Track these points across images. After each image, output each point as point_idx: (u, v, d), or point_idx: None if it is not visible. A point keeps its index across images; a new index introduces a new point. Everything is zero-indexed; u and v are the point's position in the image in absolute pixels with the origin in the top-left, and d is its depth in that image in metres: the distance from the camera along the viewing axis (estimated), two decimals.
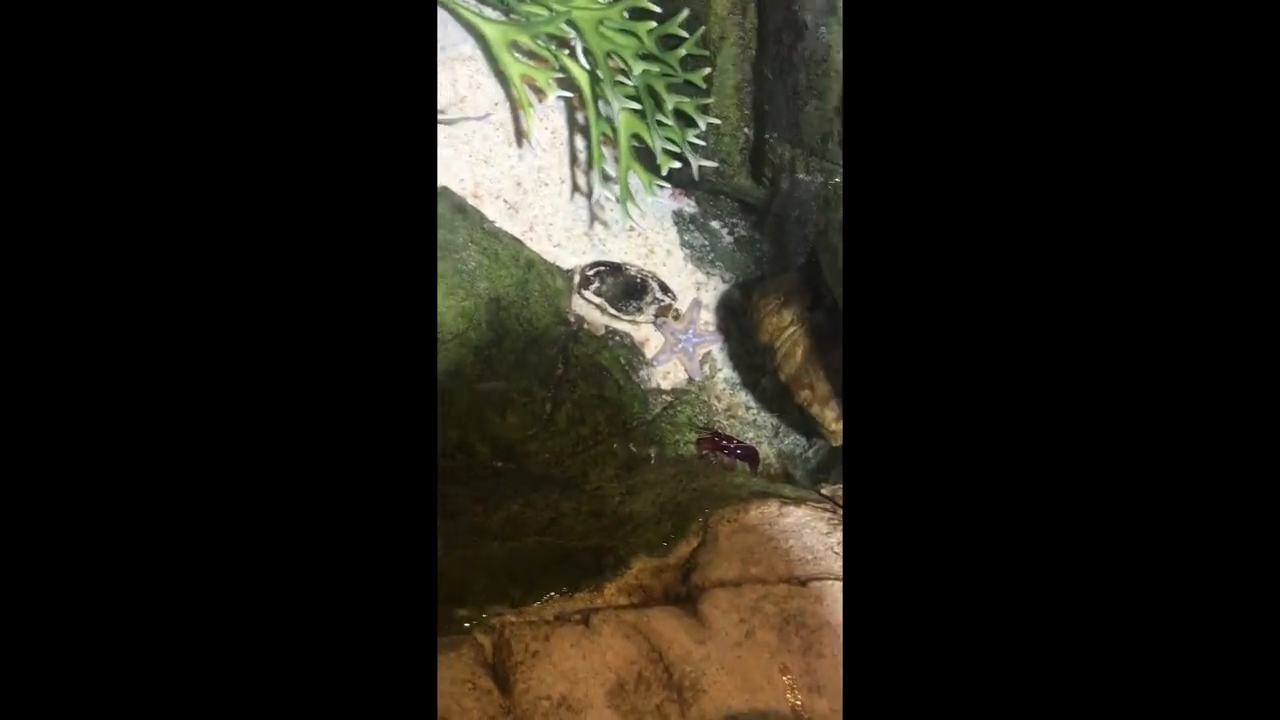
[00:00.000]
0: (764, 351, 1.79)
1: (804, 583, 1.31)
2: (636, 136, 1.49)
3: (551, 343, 1.62)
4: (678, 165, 1.47)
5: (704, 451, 1.69)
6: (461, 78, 1.51)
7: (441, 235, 1.49)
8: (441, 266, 1.49)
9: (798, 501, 1.52)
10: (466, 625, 1.25)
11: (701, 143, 1.47)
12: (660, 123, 1.44)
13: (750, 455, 1.72)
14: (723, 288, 1.87)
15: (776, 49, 1.39)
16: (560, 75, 1.50)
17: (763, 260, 1.80)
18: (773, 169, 1.45)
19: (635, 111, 1.45)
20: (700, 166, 1.48)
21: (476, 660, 1.17)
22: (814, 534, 1.42)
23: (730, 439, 1.72)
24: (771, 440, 1.89)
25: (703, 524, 1.42)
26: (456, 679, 1.12)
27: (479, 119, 1.54)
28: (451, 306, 1.48)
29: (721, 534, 1.39)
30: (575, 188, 1.66)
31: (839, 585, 1.33)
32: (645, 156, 1.53)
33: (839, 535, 1.44)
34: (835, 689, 1.19)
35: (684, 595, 1.34)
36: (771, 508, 1.45)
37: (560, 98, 1.53)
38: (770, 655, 1.19)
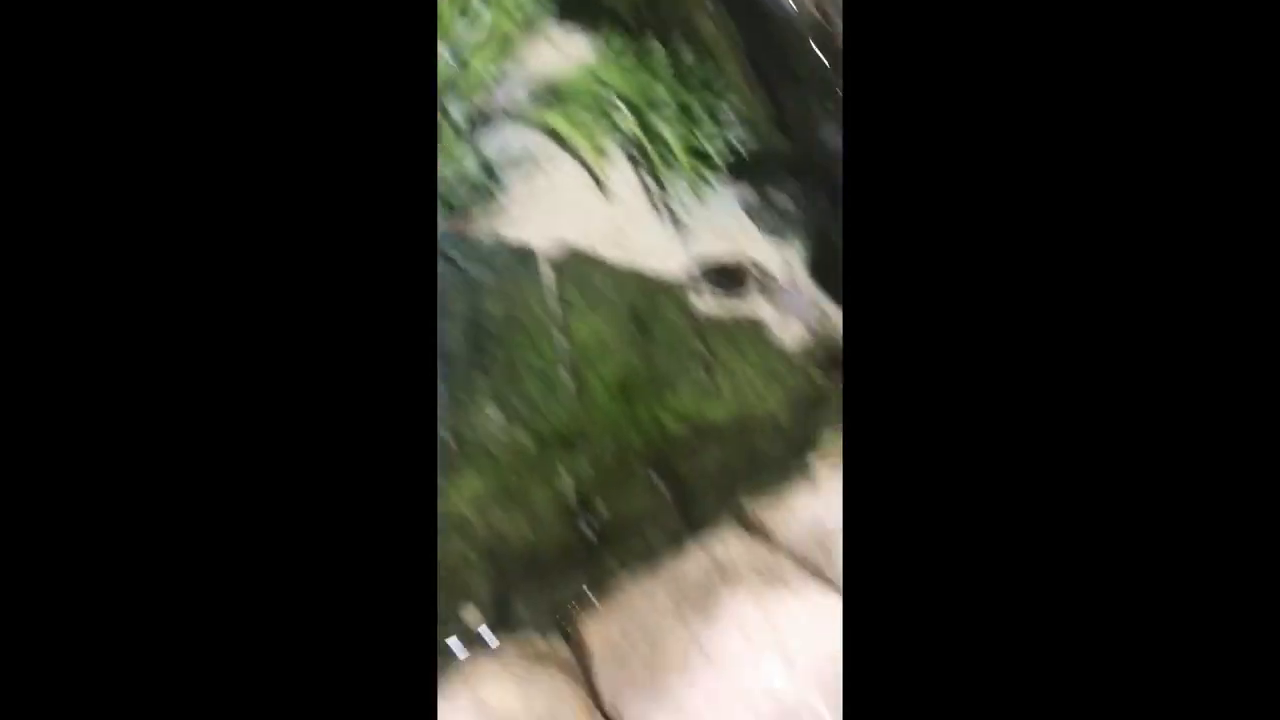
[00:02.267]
0: None
1: None
2: (684, 141, 1.88)
3: (690, 332, 1.94)
4: (724, 149, 1.85)
5: (832, 372, 1.93)
6: (536, 151, 1.96)
7: (579, 278, 1.88)
8: (587, 299, 1.86)
9: None
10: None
11: (733, 122, 1.85)
12: (697, 122, 1.83)
13: None
14: (803, 249, 2.19)
15: (755, 30, 1.79)
16: (610, 126, 1.93)
17: (824, 211, 2.12)
18: (794, 119, 1.81)
19: (675, 121, 1.85)
20: (741, 140, 1.86)
21: (735, 533, 1.42)
22: None
23: None
24: None
25: None
26: (726, 548, 1.37)
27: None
28: (605, 324, 1.84)
29: None
30: (658, 213, 2.04)
31: None
32: (699, 157, 1.92)
33: None
34: None
35: None
36: None
37: (618, 144, 1.95)
38: None
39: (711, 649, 1.15)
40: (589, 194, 2.07)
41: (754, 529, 1.43)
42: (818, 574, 1.27)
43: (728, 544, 1.38)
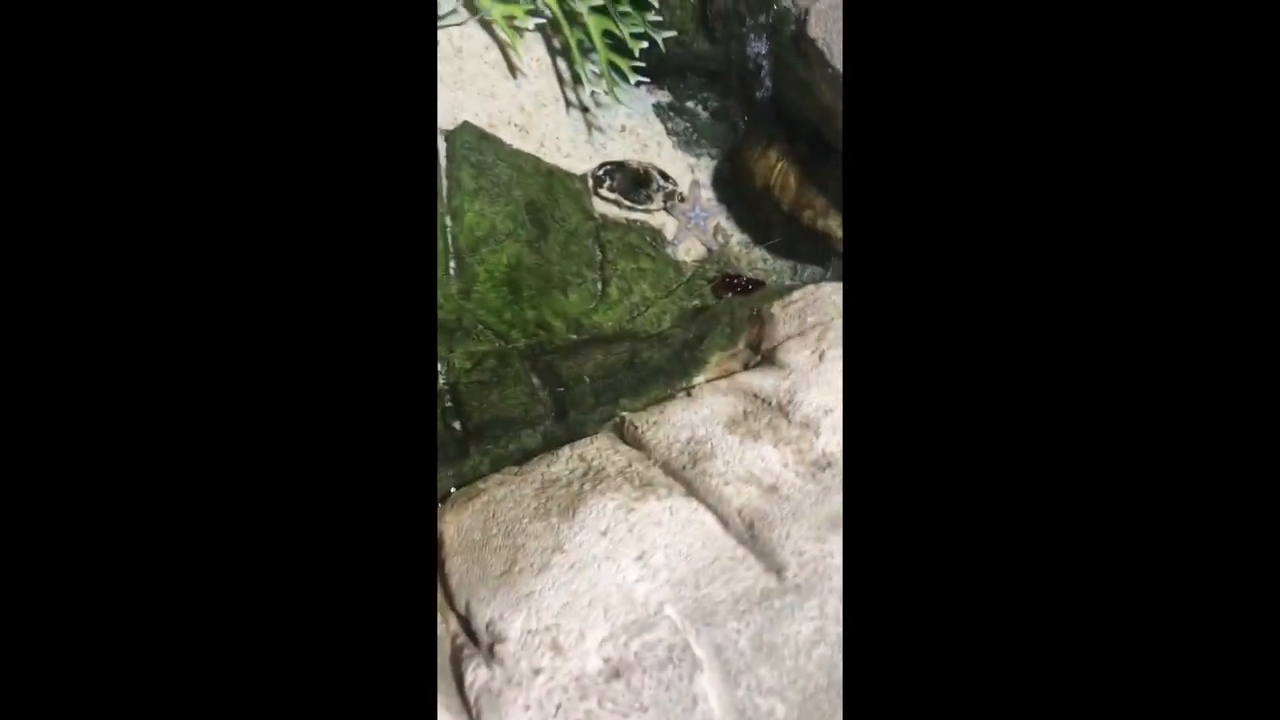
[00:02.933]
0: (763, 194, 2.05)
1: None
2: (607, 32, 1.77)
3: (586, 234, 1.87)
4: (645, 45, 1.75)
5: (722, 294, 1.93)
6: (455, 34, 1.80)
7: (474, 157, 1.76)
8: (481, 181, 1.75)
9: (829, 281, 1.76)
10: (594, 430, 1.50)
11: (659, 18, 1.75)
12: (622, 13, 1.72)
13: (759, 282, 1.96)
14: (712, 164, 2.14)
15: None
16: (531, 7, 1.79)
17: (737, 125, 2.07)
18: (721, 21, 1.73)
19: (599, 10, 1.73)
20: (664, 39, 1.76)
21: (611, 440, 1.40)
22: None
23: (738, 275, 1.96)
24: (792, 277, 2.13)
25: (757, 313, 1.66)
26: (599, 453, 1.35)
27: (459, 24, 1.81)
28: (499, 212, 1.75)
29: (775, 313, 1.63)
30: (568, 104, 1.93)
31: None
32: (618, 49, 1.82)
33: None
34: None
35: (760, 361, 1.57)
36: (810, 288, 1.69)
37: (537, 25, 1.81)
38: (844, 363, 1.42)
39: (572, 551, 1.14)
40: (496, 70, 1.94)
41: (629, 436, 1.42)
42: (686, 485, 1.28)
43: (600, 449, 1.36)
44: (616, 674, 0.97)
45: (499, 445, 1.47)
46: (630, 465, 1.28)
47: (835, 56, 1.62)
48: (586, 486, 1.23)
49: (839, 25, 1.61)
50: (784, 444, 1.30)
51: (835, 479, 1.25)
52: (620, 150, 2.06)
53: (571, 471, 1.29)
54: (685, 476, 1.25)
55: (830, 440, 1.30)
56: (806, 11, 1.62)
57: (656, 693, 0.96)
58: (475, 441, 1.50)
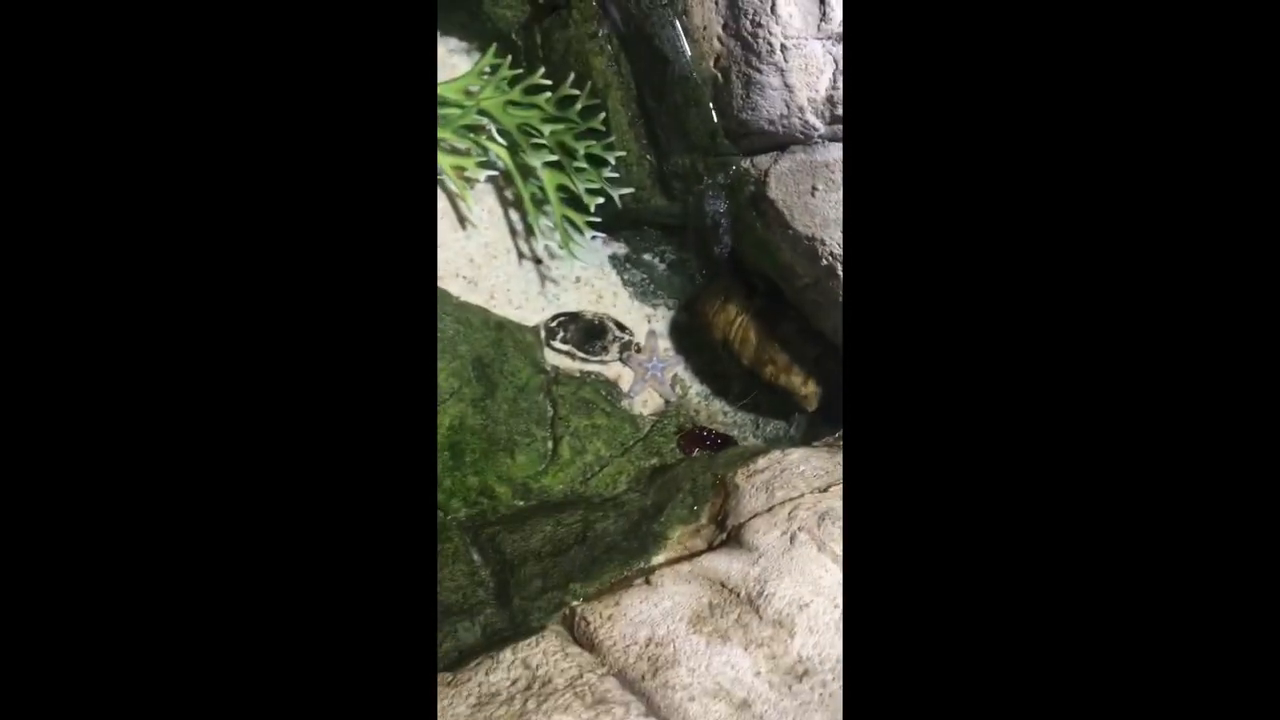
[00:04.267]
0: (722, 347, 1.98)
1: (825, 489, 1.43)
2: (562, 187, 1.71)
3: (537, 389, 1.76)
4: (601, 200, 1.70)
5: (687, 449, 1.82)
6: None
7: None
8: None
9: (795, 446, 1.66)
10: (540, 622, 1.33)
11: (616, 175, 1.71)
12: (578, 168, 1.67)
13: (727, 439, 1.86)
14: (669, 314, 2.07)
15: (650, 80, 1.67)
16: (484, 159, 1.74)
17: (694, 277, 2.02)
18: (679, 179, 1.69)
19: (554, 165, 1.68)
20: (620, 195, 1.71)
21: (561, 641, 1.24)
22: (819, 459, 1.56)
23: (706, 429, 1.86)
24: (755, 433, 2.03)
25: (721, 482, 1.55)
26: (546, 659, 1.19)
27: None
28: (442, 370, 1.63)
29: (740, 483, 1.51)
30: (520, 255, 1.86)
31: None
32: (573, 204, 1.76)
33: (840, 457, 1.58)
34: None
35: (725, 540, 1.44)
36: (775, 454, 1.59)
37: (489, 177, 1.76)
38: (818, 548, 1.30)
39: None
40: (444, 221, 1.87)
41: (580, 634, 1.26)
42: (646, 701, 1.12)
43: (547, 653, 1.20)
44: None
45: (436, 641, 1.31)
46: (581, 676, 1.12)
47: (795, 218, 1.59)
48: (530, 705, 1.07)
49: (799, 187, 1.58)
50: (755, 646, 1.16)
51: (814, 691, 1.11)
52: (574, 301, 1.98)
53: (514, 683, 1.12)
54: (644, 689, 1.10)
55: (807, 641, 1.17)
56: (766, 173, 1.60)
57: None
58: None
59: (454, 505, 1.56)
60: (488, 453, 1.63)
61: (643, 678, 1.12)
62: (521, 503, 1.64)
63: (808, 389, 1.85)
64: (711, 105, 1.56)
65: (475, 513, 1.57)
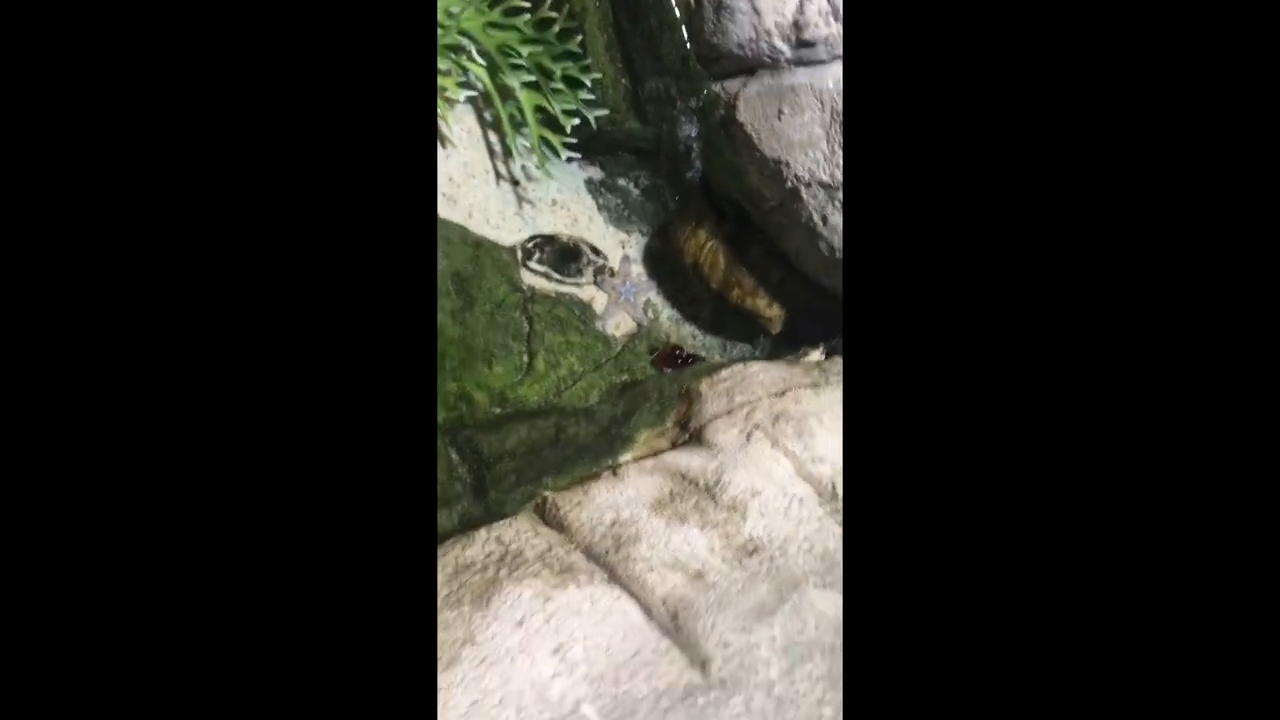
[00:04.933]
0: (692, 271, 2.06)
1: (781, 393, 1.53)
2: (539, 108, 1.77)
3: (513, 306, 1.84)
4: (577, 122, 1.76)
5: (662, 367, 1.91)
6: None
7: None
8: None
9: (757, 360, 1.76)
10: (513, 511, 1.43)
11: (591, 97, 1.77)
12: (555, 90, 1.73)
13: (697, 359, 1.96)
14: (643, 240, 2.14)
15: (626, 4, 1.72)
16: (463, 80, 1.78)
17: (667, 204, 2.09)
18: (653, 103, 1.75)
19: (532, 86, 1.73)
20: (596, 117, 1.78)
21: (532, 522, 1.34)
22: (778, 370, 1.66)
23: (679, 349, 1.96)
24: (722, 354, 2.13)
25: (686, 391, 1.64)
26: (519, 536, 1.28)
27: None
28: None
29: (704, 390, 1.61)
30: (499, 176, 1.92)
31: (812, 390, 1.56)
32: (550, 125, 1.82)
33: (799, 369, 1.68)
34: (834, 458, 1.40)
35: (688, 440, 1.54)
36: (738, 366, 1.68)
37: (468, 98, 1.81)
38: (771, 444, 1.40)
39: (484, 644, 1.06)
40: None
41: (550, 518, 1.36)
42: (609, 571, 1.22)
43: (519, 531, 1.30)
44: None
45: None
46: (550, 549, 1.22)
47: (763, 141, 1.66)
48: (503, 573, 1.16)
49: (766, 110, 1.65)
50: (711, 527, 1.26)
51: (761, 565, 1.22)
52: (550, 224, 2.05)
53: (488, 556, 1.22)
54: (608, 562, 1.20)
55: (758, 524, 1.27)
56: (735, 97, 1.66)
57: None
58: None
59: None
60: (466, 361, 1.71)
61: (607, 552, 1.22)
62: (498, 410, 1.73)
63: (772, 312, 1.94)
64: (684, 29, 1.62)
65: (454, 417, 1.65)
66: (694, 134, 1.81)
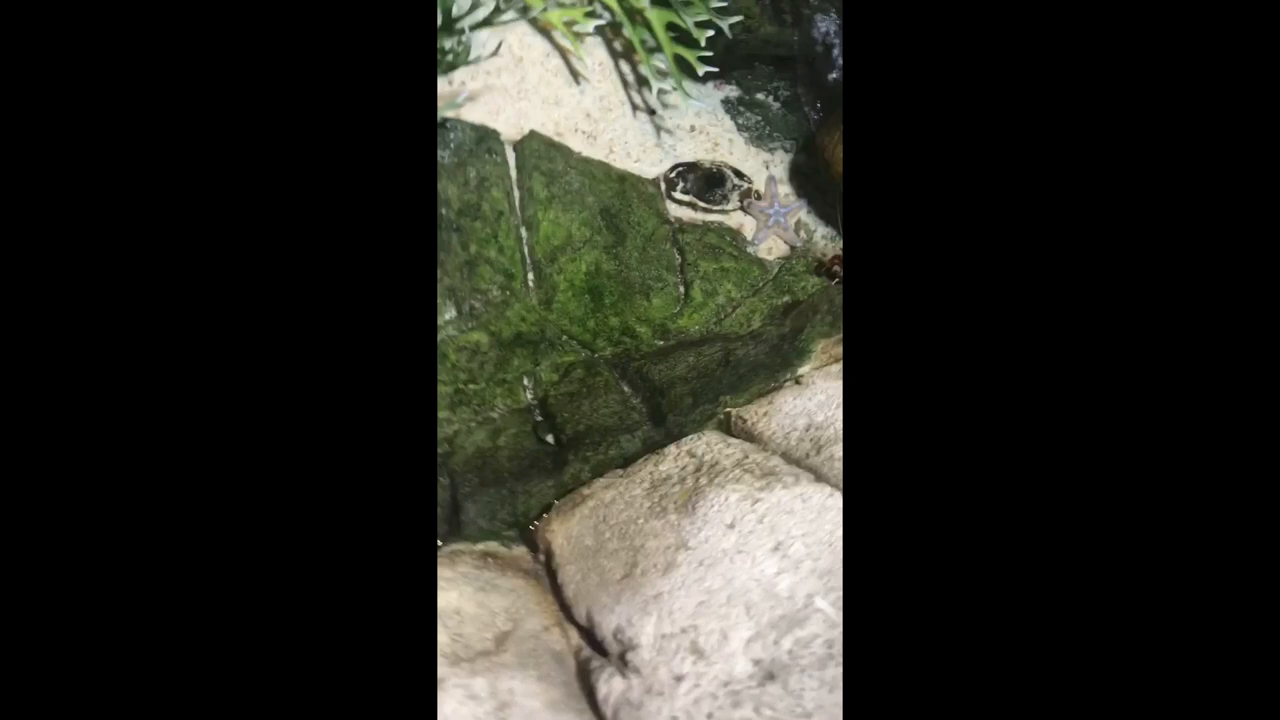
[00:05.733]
0: (842, 180, 1.95)
1: None
2: (671, 25, 1.71)
3: (663, 239, 1.79)
4: (711, 33, 1.68)
5: (829, 273, 1.82)
6: (514, 43, 1.77)
7: (544, 166, 1.70)
8: (552, 189, 1.69)
9: None
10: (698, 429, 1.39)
11: (723, 3, 1.68)
12: (685, 3, 1.66)
13: None
14: (788, 157, 2.05)
15: None
16: (590, 9, 1.75)
17: (809, 115, 1.98)
18: (788, 2, 1.65)
19: (662, 3, 1.67)
20: (730, 24, 1.69)
21: (720, 435, 1.29)
22: None
23: (842, 255, 1.86)
24: None
25: None
26: (710, 448, 1.24)
27: (460, 103, 1.78)
28: (574, 219, 1.68)
29: None
30: (635, 107, 1.87)
31: None
32: (683, 41, 1.74)
33: None
34: None
35: None
36: None
37: (597, 29, 1.77)
38: None
39: (698, 548, 1.03)
40: (559, 78, 1.90)
41: (738, 431, 1.31)
42: (813, 470, 1.16)
43: (710, 444, 1.25)
44: (771, 676, 0.84)
45: (599, 451, 1.37)
46: (747, 457, 1.17)
47: None
48: (703, 481, 1.12)
49: None
50: None
51: None
52: (691, 151, 1.98)
53: (683, 469, 1.18)
54: (811, 464, 1.13)
55: None
56: None
57: (820, 695, 0.84)
58: (573, 450, 1.40)
59: (599, 344, 1.62)
60: (625, 295, 1.68)
61: (807, 455, 1.15)
62: (661, 342, 1.70)
63: None
64: None
65: (620, 350, 1.62)
66: (833, 30, 1.70)
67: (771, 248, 2.08)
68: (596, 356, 1.67)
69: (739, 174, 2.04)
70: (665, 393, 1.50)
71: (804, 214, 2.10)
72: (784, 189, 2.09)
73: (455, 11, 1.52)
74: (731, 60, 1.88)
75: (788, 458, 1.18)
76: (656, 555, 1.01)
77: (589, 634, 0.96)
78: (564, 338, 1.65)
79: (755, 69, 1.93)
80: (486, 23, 1.54)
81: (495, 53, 1.63)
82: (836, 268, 1.83)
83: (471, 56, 1.56)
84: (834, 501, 1.06)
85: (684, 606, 0.93)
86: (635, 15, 1.76)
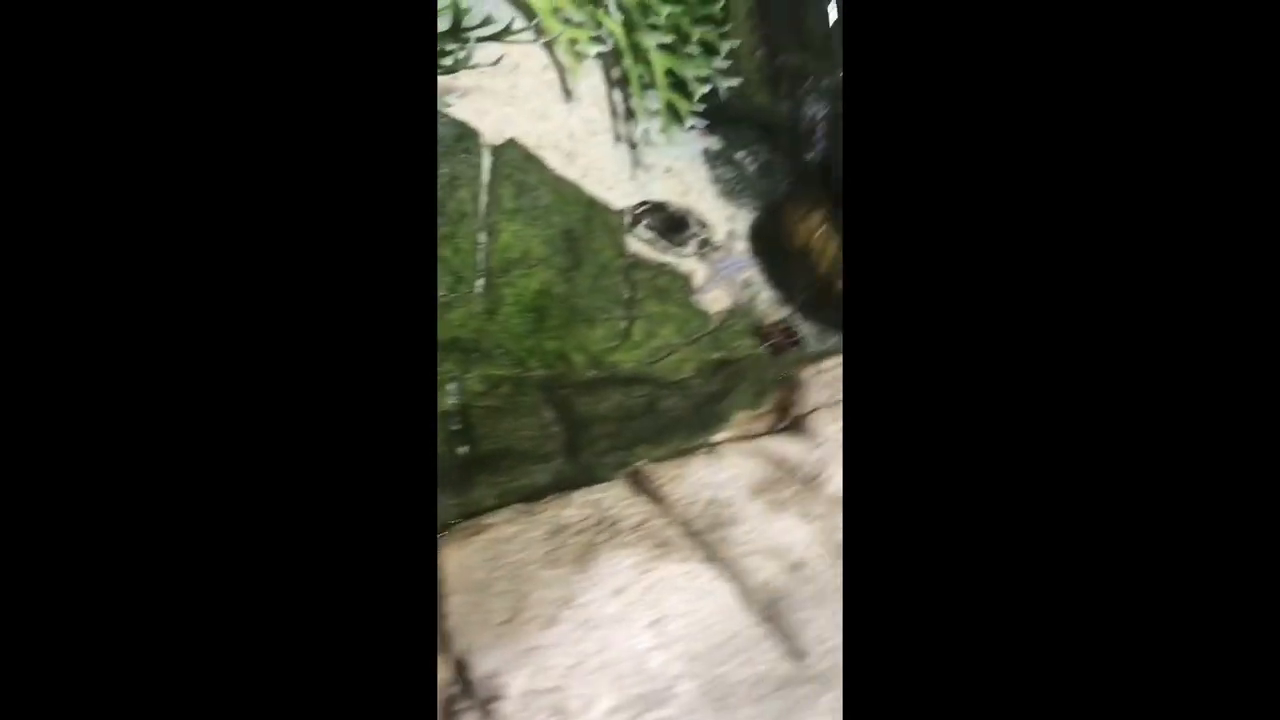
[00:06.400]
0: (799, 254, 2.02)
1: None
2: (670, 72, 1.74)
3: (617, 271, 1.82)
4: (707, 89, 1.72)
5: (767, 342, 1.88)
6: (515, 51, 1.76)
7: (517, 176, 1.71)
8: (520, 201, 1.70)
9: None
10: (606, 476, 1.43)
11: (725, 65, 1.72)
12: (689, 54, 1.69)
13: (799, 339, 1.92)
14: (751, 216, 2.10)
15: None
16: (597, 34, 1.76)
17: (781, 183, 2.04)
18: (786, 79, 1.70)
19: (667, 48, 1.70)
20: (727, 87, 1.73)
21: (628, 490, 1.34)
22: None
23: (789, 326, 1.92)
24: (816, 342, 2.09)
25: (787, 377, 1.61)
26: (616, 503, 1.28)
27: (449, 104, 1.76)
28: (536, 235, 1.69)
29: (807, 379, 1.58)
30: (618, 137, 1.89)
31: None
32: (679, 89, 1.78)
33: None
34: None
35: (787, 427, 1.52)
36: (841, 357, 1.65)
37: (598, 54, 1.78)
38: None
39: (583, 607, 1.07)
40: (551, 92, 1.90)
41: (646, 488, 1.35)
42: (707, 550, 1.21)
43: (617, 498, 1.30)
44: None
45: (508, 477, 1.40)
46: (647, 521, 1.22)
47: None
48: (601, 538, 1.17)
49: None
50: (812, 519, 1.24)
51: None
52: (662, 191, 2.02)
53: (585, 518, 1.22)
54: (706, 540, 1.19)
55: None
56: None
57: None
58: (482, 471, 1.42)
59: (532, 364, 1.65)
60: (568, 321, 1.70)
61: (704, 530, 1.21)
62: (594, 373, 1.73)
63: None
64: (833, 4, 1.56)
65: (551, 374, 1.65)
66: (822, 114, 1.76)
67: (717, 299, 2.14)
68: (527, 375, 1.70)
69: (702, 223, 2.09)
70: (587, 427, 1.53)
71: (754, 274, 2.17)
72: (741, 245, 2.15)
73: (467, 21, 1.51)
74: (720, 114, 1.93)
75: (687, 529, 1.24)
76: (542, 606, 1.05)
77: (462, 670, 1.00)
78: (499, 351, 1.67)
79: (740, 129, 1.99)
80: (495, 38, 1.53)
81: (496, 63, 1.62)
82: (777, 339, 1.90)
83: (472, 63, 1.55)
84: (718, 585, 1.12)
85: (557, 665, 0.97)
86: (639, 52, 1.79)
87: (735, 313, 2.08)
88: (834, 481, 1.29)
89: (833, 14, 1.56)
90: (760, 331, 1.91)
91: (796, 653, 1.05)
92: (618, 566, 1.10)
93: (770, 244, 2.17)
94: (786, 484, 1.31)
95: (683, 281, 2.06)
